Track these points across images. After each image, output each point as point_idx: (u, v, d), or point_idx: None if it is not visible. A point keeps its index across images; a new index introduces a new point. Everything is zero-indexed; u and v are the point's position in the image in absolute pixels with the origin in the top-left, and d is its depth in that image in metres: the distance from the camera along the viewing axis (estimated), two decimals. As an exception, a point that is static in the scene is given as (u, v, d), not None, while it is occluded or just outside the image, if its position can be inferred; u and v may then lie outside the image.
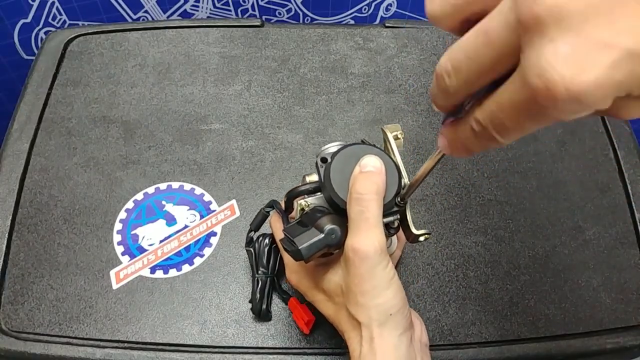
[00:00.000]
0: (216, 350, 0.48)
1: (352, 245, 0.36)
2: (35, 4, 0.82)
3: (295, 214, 0.42)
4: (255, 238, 0.50)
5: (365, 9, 0.90)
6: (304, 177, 0.43)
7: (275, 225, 0.46)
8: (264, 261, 0.49)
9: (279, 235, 0.43)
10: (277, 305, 0.50)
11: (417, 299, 0.51)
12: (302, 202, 0.40)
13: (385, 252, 0.37)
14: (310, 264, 0.41)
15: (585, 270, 0.53)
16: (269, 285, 0.49)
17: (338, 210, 0.38)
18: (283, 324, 0.49)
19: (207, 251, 0.53)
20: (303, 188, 0.41)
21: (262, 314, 0.48)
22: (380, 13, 0.91)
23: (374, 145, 0.40)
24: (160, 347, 0.48)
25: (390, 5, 0.89)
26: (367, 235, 0.36)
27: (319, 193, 0.40)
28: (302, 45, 0.69)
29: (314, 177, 0.42)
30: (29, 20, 0.84)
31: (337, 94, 0.65)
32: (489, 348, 0.49)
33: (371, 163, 0.37)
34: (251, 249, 0.50)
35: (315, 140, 0.61)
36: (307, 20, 0.91)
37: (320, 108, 0.64)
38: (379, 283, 0.36)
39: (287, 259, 0.43)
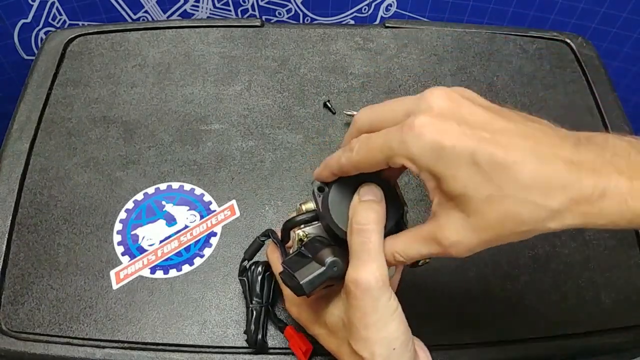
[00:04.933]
0: (216, 350, 0.48)
1: (354, 278, 0.35)
2: (35, 4, 0.82)
3: (292, 244, 0.40)
4: (248, 266, 0.48)
5: (365, 9, 0.90)
6: (299, 205, 0.41)
7: (272, 256, 0.45)
8: (258, 290, 0.47)
9: (277, 267, 0.42)
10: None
11: (417, 299, 0.51)
12: (299, 233, 0.39)
13: (388, 284, 0.35)
14: (310, 298, 0.40)
15: (585, 270, 0.53)
16: (263, 315, 0.47)
17: (338, 240, 0.37)
18: (281, 335, 0.49)
19: (207, 251, 0.53)
20: (300, 218, 0.39)
21: (258, 345, 0.47)
22: (380, 13, 0.91)
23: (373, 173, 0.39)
24: (160, 347, 0.48)
25: (390, 5, 0.89)
26: (369, 267, 0.35)
27: (317, 222, 0.39)
28: (302, 46, 0.69)
29: (310, 205, 0.40)
30: (29, 20, 0.84)
31: (337, 94, 0.65)
32: (489, 348, 0.49)
33: (371, 192, 0.36)
34: (244, 278, 0.48)
35: (315, 140, 0.61)
36: (307, 20, 0.91)
37: (320, 108, 0.64)
38: (382, 316, 0.35)
39: (287, 290, 0.42)
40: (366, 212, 0.35)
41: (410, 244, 0.35)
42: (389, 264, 0.36)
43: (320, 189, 0.38)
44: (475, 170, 0.30)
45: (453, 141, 0.30)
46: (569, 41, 0.70)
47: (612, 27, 0.84)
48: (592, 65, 0.68)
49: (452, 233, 0.32)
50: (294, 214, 0.41)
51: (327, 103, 0.63)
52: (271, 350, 0.48)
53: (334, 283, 0.37)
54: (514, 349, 0.49)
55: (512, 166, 0.29)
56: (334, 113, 0.63)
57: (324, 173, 0.38)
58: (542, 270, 0.53)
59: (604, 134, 0.32)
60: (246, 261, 0.49)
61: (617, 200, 0.29)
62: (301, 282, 0.35)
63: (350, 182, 0.37)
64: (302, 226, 0.39)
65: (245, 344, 0.48)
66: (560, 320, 0.50)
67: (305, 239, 0.39)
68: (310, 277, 0.35)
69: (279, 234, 0.43)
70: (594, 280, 0.53)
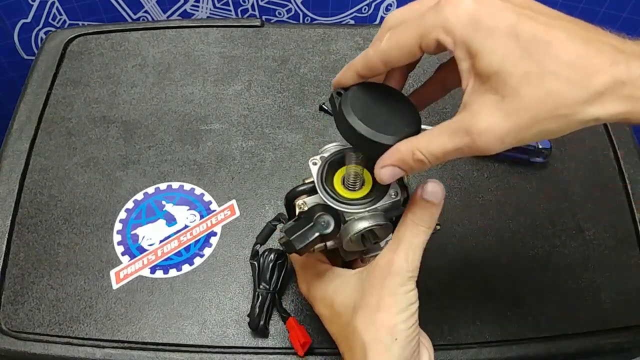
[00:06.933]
0: (216, 350, 0.48)
1: (390, 258, 0.36)
2: (35, 4, 0.82)
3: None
4: (261, 252, 0.50)
5: (365, 9, 0.90)
6: (303, 180, 0.42)
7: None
8: (267, 276, 0.48)
9: None
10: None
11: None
12: (299, 202, 0.40)
13: (416, 278, 0.36)
14: (321, 275, 0.41)
15: (585, 270, 0.53)
16: (269, 301, 0.48)
17: (357, 141, 0.35)
18: (282, 325, 0.49)
19: (207, 251, 0.53)
20: (300, 188, 0.41)
21: (259, 330, 0.47)
22: (380, 13, 0.91)
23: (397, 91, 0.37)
24: (160, 347, 0.48)
25: (390, 5, 0.89)
26: (407, 254, 0.36)
27: (316, 193, 0.40)
28: (302, 45, 0.69)
29: (312, 179, 0.41)
30: (29, 20, 0.84)
31: (337, 94, 0.65)
32: (489, 348, 0.49)
33: (434, 191, 0.36)
34: (255, 262, 0.49)
35: (315, 140, 0.61)
36: (307, 20, 0.91)
37: (320, 108, 0.64)
38: (399, 303, 0.35)
39: (298, 267, 0.43)
40: (427, 213, 0.36)
41: (435, 138, 0.32)
42: (405, 166, 0.33)
43: (339, 94, 0.37)
44: (515, 44, 0.28)
45: (494, 12, 0.28)
46: (569, 41, 0.70)
47: (612, 27, 0.84)
48: (592, 65, 0.68)
49: (483, 118, 0.29)
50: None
51: (323, 106, 0.63)
52: (270, 350, 0.48)
53: (325, 242, 0.38)
54: (514, 349, 0.49)
55: (554, 42, 0.27)
56: (331, 114, 0.63)
57: (346, 74, 0.36)
58: (542, 270, 0.53)
59: None
60: (258, 245, 0.50)
61: None
62: (290, 238, 0.36)
63: (372, 87, 0.35)
64: (304, 196, 0.40)
65: (245, 344, 0.48)
66: (560, 320, 0.50)
67: (305, 207, 0.40)
68: (299, 232, 0.37)
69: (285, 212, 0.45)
70: (594, 280, 0.53)
